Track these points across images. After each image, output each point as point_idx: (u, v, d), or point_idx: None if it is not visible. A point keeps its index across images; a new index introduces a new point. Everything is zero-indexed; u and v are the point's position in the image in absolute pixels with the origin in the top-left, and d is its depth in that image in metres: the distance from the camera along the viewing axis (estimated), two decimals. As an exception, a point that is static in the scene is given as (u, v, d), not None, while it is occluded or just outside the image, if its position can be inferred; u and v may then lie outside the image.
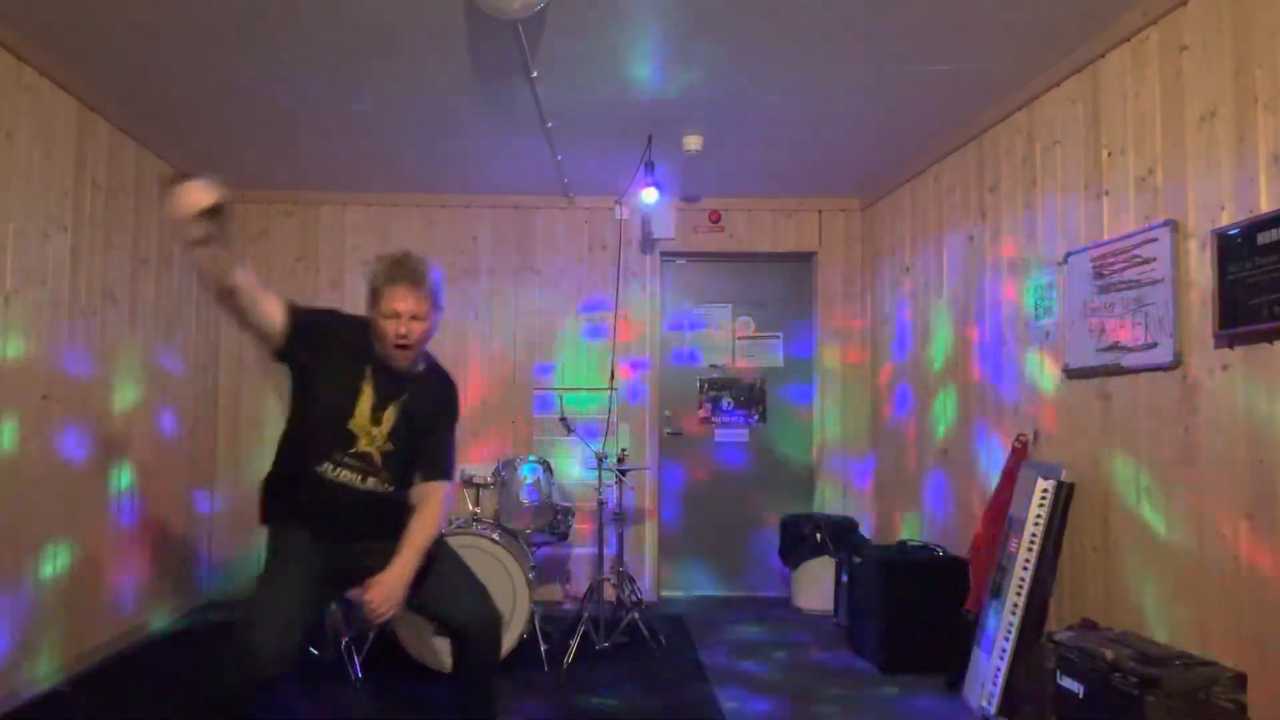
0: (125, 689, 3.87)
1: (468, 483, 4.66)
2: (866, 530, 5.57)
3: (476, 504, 4.57)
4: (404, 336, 2.55)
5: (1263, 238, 2.59)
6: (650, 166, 4.84)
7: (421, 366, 2.74)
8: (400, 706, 3.66)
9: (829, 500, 5.82)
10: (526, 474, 4.52)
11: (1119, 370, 3.26)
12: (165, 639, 4.68)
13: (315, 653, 4.15)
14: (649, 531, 5.76)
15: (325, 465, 2.57)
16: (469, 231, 5.85)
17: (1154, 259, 3.07)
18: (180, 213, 2.11)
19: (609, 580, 4.76)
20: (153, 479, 4.75)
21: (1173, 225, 2.99)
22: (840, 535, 5.18)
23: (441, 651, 3.91)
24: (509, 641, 3.97)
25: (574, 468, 5.62)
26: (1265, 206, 2.63)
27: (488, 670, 2.78)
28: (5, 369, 3.48)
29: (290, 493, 2.63)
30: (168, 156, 4.84)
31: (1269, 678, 2.59)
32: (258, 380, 5.69)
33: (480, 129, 4.55)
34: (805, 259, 6.03)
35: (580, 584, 5.37)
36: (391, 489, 2.68)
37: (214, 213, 2.13)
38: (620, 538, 4.90)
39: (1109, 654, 2.79)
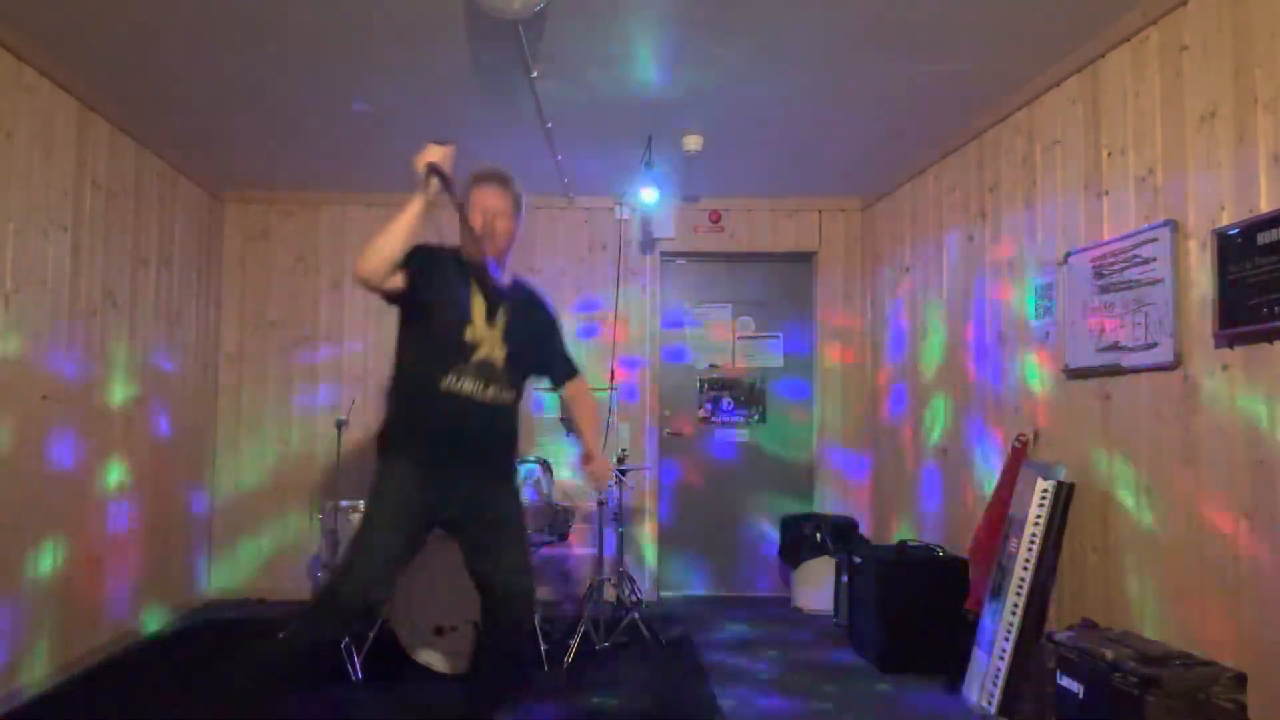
0: (124, 689, 3.87)
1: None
2: (866, 530, 5.58)
3: (476, 504, 4.57)
4: (490, 226, 2.76)
5: (1263, 238, 2.59)
6: (650, 166, 4.84)
7: (511, 280, 2.91)
8: (400, 706, 3.65)
9: (829, 500, 5.82)
10: (526, 474, 4.52)
11: (1119, 370, 3.26)
12: (165, 637, 4.68)
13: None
14: (649, 531, 5.76)
15: (449, 378, 2.68)
16: (469, 231, 5.84)
17: (1154, 259, 3.07)
18: (417, 162, 2.60)
19: (609, 580, 4.76)
20: (151, 479, 4.75)
21: (1173, 225, 2.99)
22: (840, 535, 5.18)
23: (440, 652, 3.91)
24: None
25: (574, 468, 5.62)
26: (1265, 206, 2.63)
27: (511, 642, 2.83)
28: (5, 369, 3.48)
29: (412, 416, 2.74)
30: (168, 156, 4.84)
31: (1269, 678, 2.59)
32: (255, 380, 5.70)
33: (480, 129, 4.55)
34: (805, 259, 6.03)
35: (580, 584, 5.38)
36: (510, 398, 2.79)
37: (436, 170, 2.59)
38: (620, 538, 4.90)
39: (1109, 654, 2.79)
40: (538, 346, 2.94)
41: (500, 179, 2.84)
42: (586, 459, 3.03)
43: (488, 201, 2.80)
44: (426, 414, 2.72)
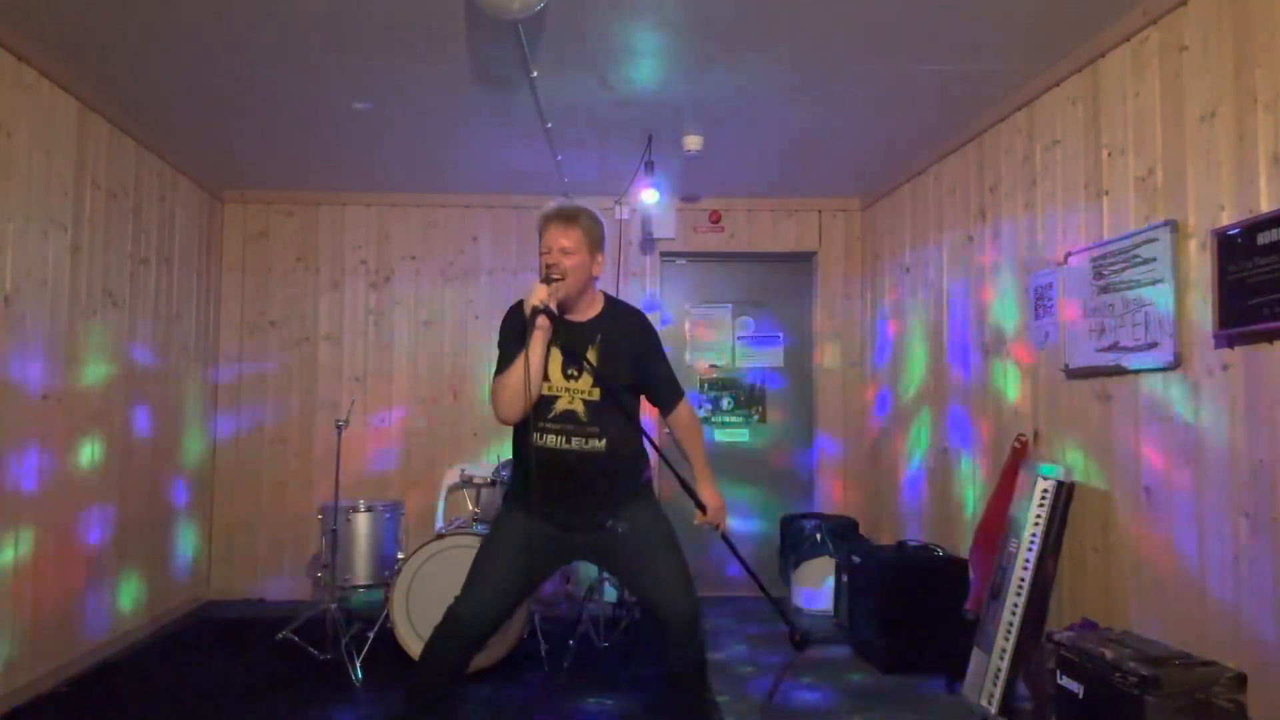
0: (125, 688, 3.87)
1: (468, 483, 4.66)
2: (865, 530, 5.57)
3: (476, 504, 4.57)
4: (553, 265, 2.71)
5: (1263, 238, 2.59)
6: (650, 166, 4.84)
7: (600, 308, 2.86)
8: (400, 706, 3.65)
9: (828, 500, 5.82)
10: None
11: (1119, 370, 3.26)
12: (165, 637, 4.68)
13: (315, 652, 4.16)
14: (649, 531, 5.75)
15: (534, 436, 2.71)
16: (469, 231, 5.85)
17: (1154, 259, 3.07)
18: (525, 305, 2.65)
19: (609, 580, 4.76)
20: (152, 478, 4.76)
21: (1173, 225, 2.99)
22: (840, 535, 5.18)
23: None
24: (509, 643, 3.97)
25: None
26: (1265, 206, 2.63)
27: (694, 662, 2.76)
28: (5, 368, 3.48)
29: (519, 473, 2.81)
30: (168, 157, 4.84)
31: (1269, 678, 2.59)
32: (255, 380, 5.70)
33: (480, 129, 4.55)
34: (805, 259, 6.03)
35: (580, 584, 5.37)
36: (601, 444, 2.73)
37: (544, 311, 2.62)
38: (620, 538, 4.89)
39: (1109, 654, 2.79)
40: (635, 376, 2.85)
41: (559, 216, 2.76)
42: (700, 503, 2.83)
43: (549, 241, 2.74)
44: (526, 471, 2.75)
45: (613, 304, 2.91)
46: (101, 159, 4.19)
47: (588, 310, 2.83)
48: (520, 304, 2.79)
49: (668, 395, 2.97)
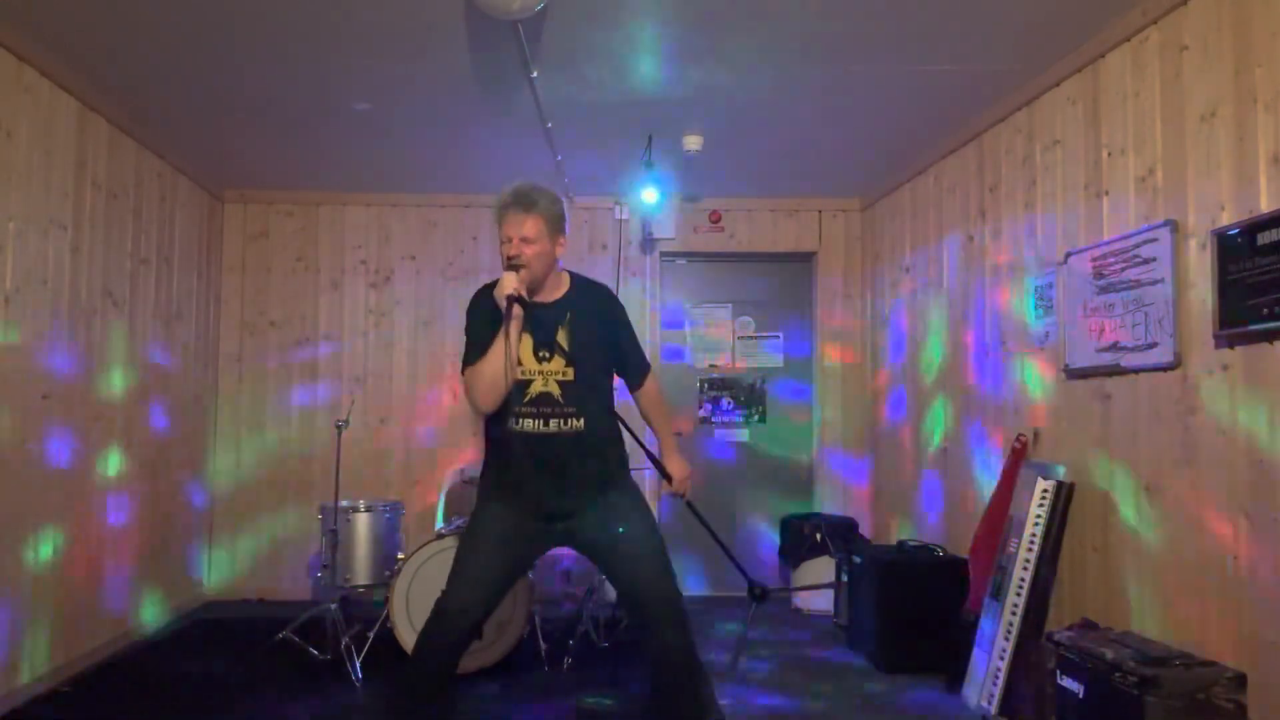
0: (125, 688, 3.87)
1: (469, 482, 4.65)
2: (866, 530, 5.58)
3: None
4: (514, 256, 2.69)
5: (1263, 238, 2.59)
6: (650, 166, 4.84)
7: (566, 288, 2.84)
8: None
9: (828, 500, 5.82)
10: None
11: (1119, 370, 3.26)
12: (165, 638, 4.68)
13: (315, 652, 4.16)
14: (649, 531, 5.75)
15: (510, 421, 2.70)
16: (469, 231, 5.85)
17: (1154, 259, 3.07)
18: (497, 294, 2.64)
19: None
20: (152, 477, 4.75)
21: (1173, 225, 2.99)
22: (840, 535, 5.18)
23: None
24: (508, 643, 3.97)
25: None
26: (1265, 206, 2.63)
27: (681, 654, 2.74)
28: (5, 368, 3.48)
29: (494, 461, 2.80)
30: (168, 156, 4.84)
31: (1269, 678, 2.59)
32: (255, 380, 5.70)
33: (480, 129, 4.55)
34: (805, 259, 6.03)
35: (580, 584, 5.37)
36: (580, 424, 2.72)
37: (516, 299, 2.63)
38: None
39: (1109, 654, 2.79)
40: (606, 353, 2.85)
41: (519, 203, 2.71)
42: (667, 473, 2.87)
43: (509, 230, 2.71)
44: (502, 458, 2.74)
45: (578, 282, 2.89)
46: (101, 159, 4.19)
47: (555, 291, 2.81)
48: (484, 291, 2.77)
49: (637, 369, 2.95)
